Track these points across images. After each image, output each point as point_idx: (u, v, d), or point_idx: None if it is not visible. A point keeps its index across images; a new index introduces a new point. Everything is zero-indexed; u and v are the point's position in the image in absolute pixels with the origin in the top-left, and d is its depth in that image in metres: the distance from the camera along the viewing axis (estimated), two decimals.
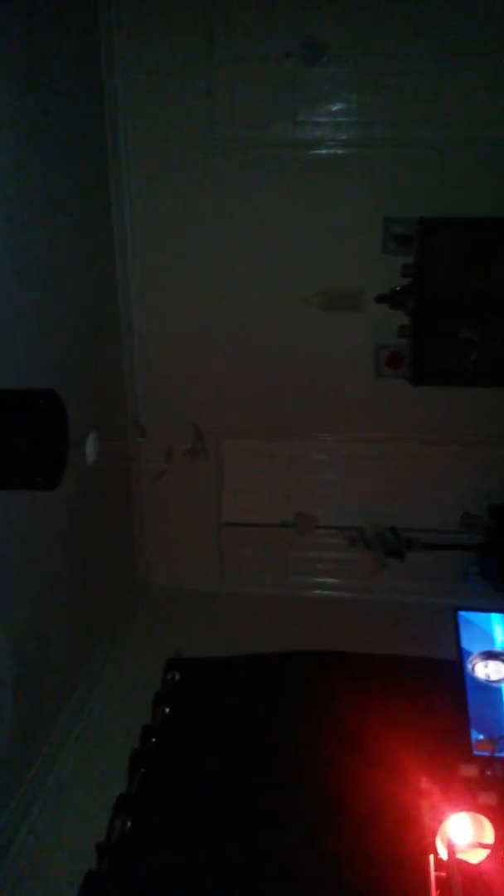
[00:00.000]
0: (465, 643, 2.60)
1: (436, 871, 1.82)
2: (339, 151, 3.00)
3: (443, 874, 1.80)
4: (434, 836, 1.91)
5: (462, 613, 2.69)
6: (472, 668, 2.53)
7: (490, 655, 2.56)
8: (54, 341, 2.37)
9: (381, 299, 3.02)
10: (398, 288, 3.00)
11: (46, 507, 2.32)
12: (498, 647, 2.58)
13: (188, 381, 3.28)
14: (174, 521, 3.51)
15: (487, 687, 2.48)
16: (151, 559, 3.61)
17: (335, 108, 2.93)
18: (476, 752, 2.22)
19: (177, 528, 3.53)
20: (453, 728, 2.31)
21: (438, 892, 1.77)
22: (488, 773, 2.10)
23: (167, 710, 2.53)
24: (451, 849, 1.82)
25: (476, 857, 1.87)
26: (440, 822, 1.94)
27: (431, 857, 1.86)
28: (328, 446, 3.36)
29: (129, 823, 2.03)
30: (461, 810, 1.95)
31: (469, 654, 2.56)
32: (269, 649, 2.81)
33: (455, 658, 2.59)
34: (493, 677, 2.51)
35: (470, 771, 2.09)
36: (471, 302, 2.91)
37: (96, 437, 1.68)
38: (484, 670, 2.53)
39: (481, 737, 2.27)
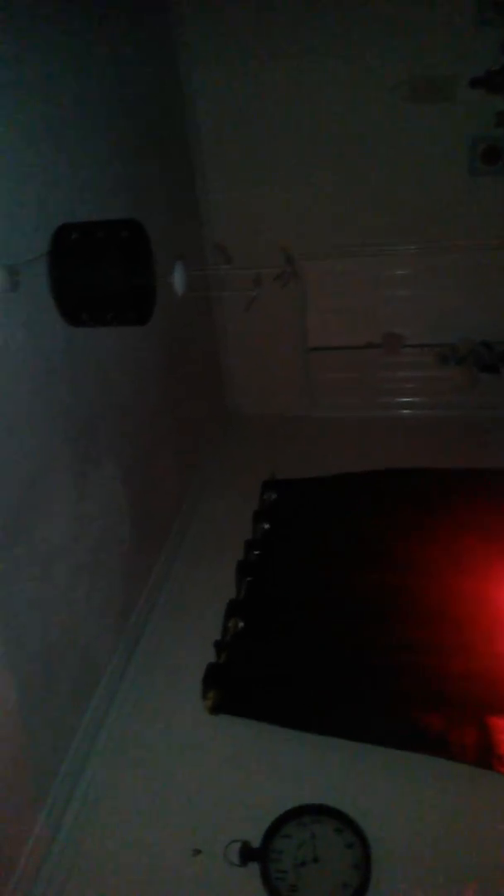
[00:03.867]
0: None
1: None
2: None
3: None
4: None
5: None
6: None
7: None
8: (126, 166, 2.25)
9: (475, 83, 2.66)
10: (497, 68, 2.63)
11: (137, 344, 2.34)
12: None
13: (268, 202, 3.09)
14: (260, 349, 3.50)
15: None
16: (240, 388, 3.65)
17: None
18: None
19: (263, 356, 3.52)
20: None
21: None
22: None
23: (266, 525, 2.68)
24: None
25: None
26: None
27: None
28: (416, 260, 3.16)
29: (240, 624, 2.23)
30: None
31: None
32: (362, 470, 2.87)
33: None
34: None
35: None
36: None
37: (183, 267, 1.63)
38: None
39: None
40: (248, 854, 1.64)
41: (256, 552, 2.53)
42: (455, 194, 2.96)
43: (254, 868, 1.62)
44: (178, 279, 1.62)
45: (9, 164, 1.53)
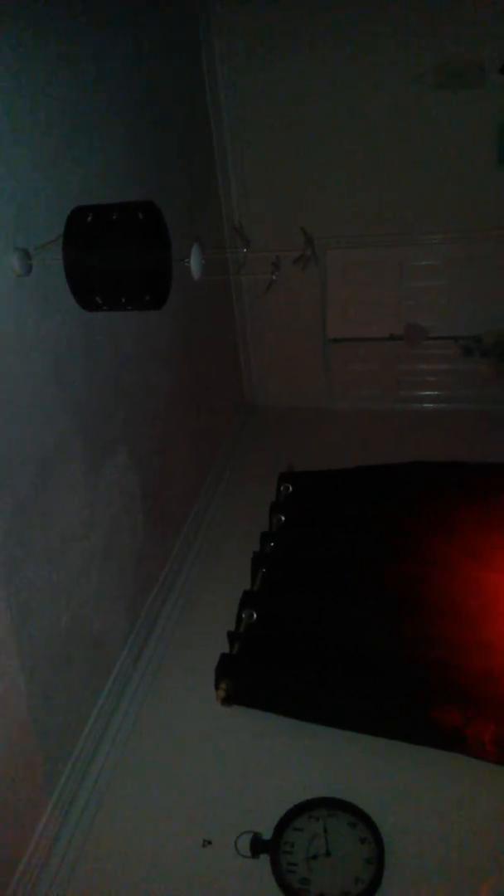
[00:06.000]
0: None
1: None
2: None
3: None
4: None
5: None
6: None
7: None
8: (144, 149, 2.23)
9: None
10: None
11: (153, 330, 2.32)
12: None
13: (289, 187, 3.07)
14: (279, 339, 3.47)
15: None
16: (258, 379, 3.63)
17: None
18: None
19: (282, 347, 3.49)
20: None
21: None
22: None
23: (282, 518, 2.65)
24: None
25: None
26: None
27: None
28: (442, 249, 3.11)
29: (254, 616, 2.21)
30: None
31: None
32: (381, 463, 2.83)
33: None
34: None
35: None
36: None
37: (200, 250, 1.60)
38: None
39: None
40: (259, 846, 1.62)
41: (272, 544, 2.50)
42: (483, 183, 2.91)
43: (265, 860, 1.60)
44: (195, 262, 1.59)
45: (24, 147, 1.51)
